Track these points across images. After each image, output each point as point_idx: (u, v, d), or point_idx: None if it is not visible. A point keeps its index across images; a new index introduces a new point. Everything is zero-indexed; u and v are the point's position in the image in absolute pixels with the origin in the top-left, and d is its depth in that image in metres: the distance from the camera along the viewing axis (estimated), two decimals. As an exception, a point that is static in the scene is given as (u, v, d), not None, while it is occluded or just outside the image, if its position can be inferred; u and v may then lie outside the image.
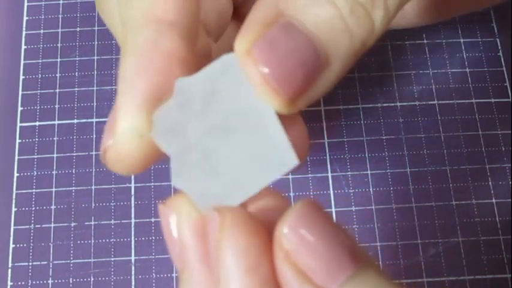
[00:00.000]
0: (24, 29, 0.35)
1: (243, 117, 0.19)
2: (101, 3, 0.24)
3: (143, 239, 0.30)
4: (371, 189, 0.31)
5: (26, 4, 0.35)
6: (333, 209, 0.31)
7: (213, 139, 0.19)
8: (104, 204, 0.31)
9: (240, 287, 0.17)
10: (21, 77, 0.33)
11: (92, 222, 0.30)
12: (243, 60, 0.19)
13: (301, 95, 0.19)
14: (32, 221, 0.30)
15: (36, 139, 0.32)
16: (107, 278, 0.29)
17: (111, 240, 0.30)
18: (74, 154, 0.32)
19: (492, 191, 0.31)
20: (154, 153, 0.19)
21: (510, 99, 0.33)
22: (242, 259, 0.17)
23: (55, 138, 0.32)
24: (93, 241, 0.30)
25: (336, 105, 0.33)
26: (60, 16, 0.35)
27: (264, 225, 0.18)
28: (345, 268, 0.16)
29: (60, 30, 0.34)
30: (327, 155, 0.32)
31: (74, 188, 0.31)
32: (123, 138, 0.19)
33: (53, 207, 0.31)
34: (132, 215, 0.31)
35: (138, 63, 0.19)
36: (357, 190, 0.31)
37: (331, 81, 0.19)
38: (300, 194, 0.31)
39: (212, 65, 0.19)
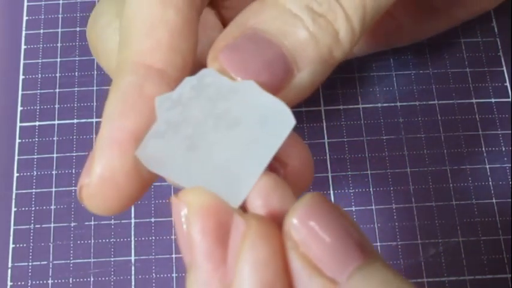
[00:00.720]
0: (24, 28, 0.35)
1: (231, 100, 0.19)
2: (97, 45, 0.25)
3: (143, 239, 0.30)
4: (371, 189, 0.31)
5: (26, 4, 0.35)
6: (333, 209, 0.31)
7: (208, 127, 0.19)
8: (104, 204, 0.31)
9: None
10: (21, 77, 0.33)
11: (92, 222, 0.30)
12: (211, 66, 0.20)
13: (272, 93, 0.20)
14: (32, 221, 0.30)
15: (36, 139, 0.32)
16: (107, 278, 0.29)
17: (111, 240, 0.30)
18: (74, 154, 0.32)
19: (492, 191, 0.31)
20: (130, 195, 0.19)
21: (510, 99, 0.33)
22: (260, 274, 0.17)
23: (55, 138, 0.32)
24: (93, 241, 0.30)
25: (336, 105, 0.33)
26: (60, 16, 0.35)
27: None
28: (353, 259, 0.17)
29: (60, 30, 0.34)
30: (327, 155, 0.32)
31: (74, 188, 0.31)
32: (98, 179, 0.19)
33: (53, 207, 0.31)
34: (132, 215, 0.31)
35: (119, 105, 0.19)
36: (357, 190, 0.31)
37: (304, 86, 0.20)
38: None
39: (185, 80, 0.20)
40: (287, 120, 0.19)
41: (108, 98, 0.20)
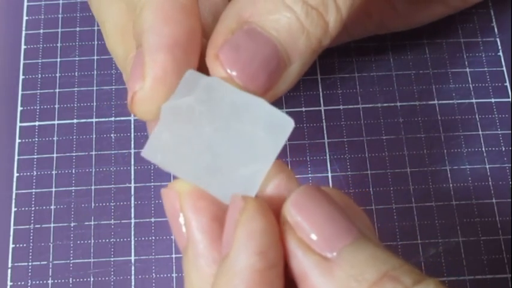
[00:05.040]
0: (24, 28, 0.35)
1: (229, 108, 0.20)
2: None
3: (143, 239, 0.30)
4: (371, 189, 0.31)
5: (26, 4, 0.35)
6: (333, 209, 0.31)
7: (213, 136, 0.20)
8: (104, 204, 0.31)
9: (247, 264, 0.18)
10: (21, 77, 0.33)
11: (92, 222, 0.30)
12: (212, 64, 0.21)
13: (266, 92, 0.21)
14: (32, 221, 0.30)
15: (36, 139, 0.32)
16: (107, 278, 0.29)
17: (111, 240, 0.30)
18: (74, 154, 0.32)
19: (492, 191, 0.31)
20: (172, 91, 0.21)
21: (510, 99, 0.33)
22: (256, 241, 0.18)
23: (55, 138, 0.32)
24: (93, 241, 0.30)
25: (336, 105, 0.33)
26: (60, 16, 0.35)
27: (277, 217, 0.19)
28: (342, 240, 0.18)
29: (60, 30, 0.34)
30: (327, 155, 0.32)
31: (73, 188, 0.31)
32: (153, 80, 0.21)
33: (52, 207, 0.31)
34: (132, 215, 0.31)
35: (158, 15, 0.21)
36: (357, 190, 0.31)
37: (294, 77, 0.22)
38: (300, 194, 0.31)
39: (180, 85, 0.21)
40: (287, 125, 0.20)
41: (141, 14, 0.21)
